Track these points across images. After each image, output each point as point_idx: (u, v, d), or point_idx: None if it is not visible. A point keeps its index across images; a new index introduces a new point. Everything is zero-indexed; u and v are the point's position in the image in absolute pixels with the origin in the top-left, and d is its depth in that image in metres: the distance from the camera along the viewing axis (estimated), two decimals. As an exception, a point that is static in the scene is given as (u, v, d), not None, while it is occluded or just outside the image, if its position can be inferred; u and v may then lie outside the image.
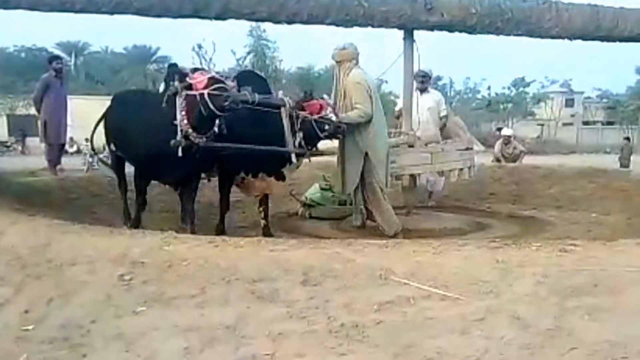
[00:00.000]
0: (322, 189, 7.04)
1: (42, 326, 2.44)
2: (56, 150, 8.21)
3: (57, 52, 39.64)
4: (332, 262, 3.10)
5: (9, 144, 23.81)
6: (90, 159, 12.91)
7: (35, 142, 21.98)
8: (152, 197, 7.23)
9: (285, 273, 2.98)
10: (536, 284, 2.80)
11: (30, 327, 2.42)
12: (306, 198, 7.06)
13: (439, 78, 36.46)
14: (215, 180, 5.87)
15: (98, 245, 3.39)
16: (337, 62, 5.52)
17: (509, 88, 42.99)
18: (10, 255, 3.29)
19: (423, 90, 7.21)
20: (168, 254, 3.22)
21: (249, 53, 42.14)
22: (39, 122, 8.20)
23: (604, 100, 48.91)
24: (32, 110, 23.27)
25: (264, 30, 37.57)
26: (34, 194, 6.30)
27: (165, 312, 2.62)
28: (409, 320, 2.55)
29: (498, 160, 10.83)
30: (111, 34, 51.13)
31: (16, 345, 2.36)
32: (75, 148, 20.08)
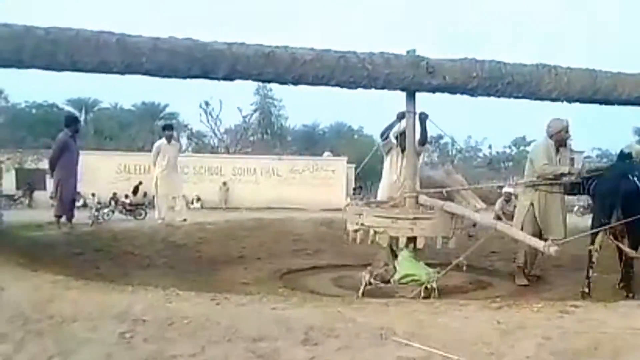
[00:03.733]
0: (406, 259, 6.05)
1: (42, 384, 2.43)
2: (68, 204, 8.32)
3: (68, 108, 40.58)
4: (333, 321, 3.10)
5: (16, 197, 23.99)
6: (96, 213, 13.02)
7: (41, 196, 22.23)
8: (155, 253, 7.30)
9: (287, 332, 2.98)
10: (537, 346, 2.79)
11: (29, 385, 2.41)
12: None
13: (440, 137, 36.84)
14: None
15: (100, 302, 3.40)
16: None
17: (509, 147, 43.35)
18: (13, 311, 3.30)
19: (404, 149, 6.93)
20: (170, 311, 3.23)
21: (255, 111, 42.96)
22: (53, 180, 8.38)
23: (604, 159, 49.16)
24: (41, 165, 23.60)
25: (270, 89, 38.42)
26: (38, 248, 6.35)
27: (165, 371, 2.61)
28: (410, 382, 2.54)
29: (499, 217, 10.80)
30: (121, 90, 52.33)
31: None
32: (82, 202, 20.24)
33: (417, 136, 6.52)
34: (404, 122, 6.63)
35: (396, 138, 6.95)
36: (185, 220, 9.27)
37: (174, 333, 2.99)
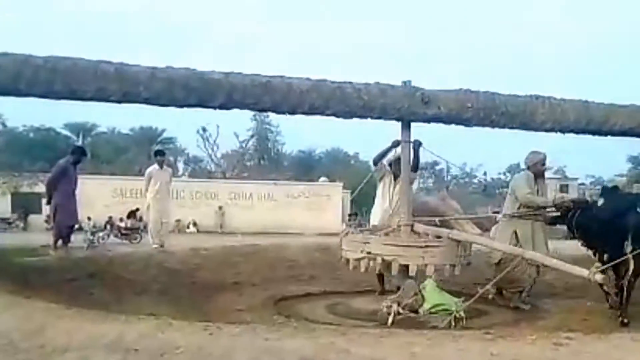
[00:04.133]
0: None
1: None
2: (64, 230, 8.32)
3: (66, 132, 40.61)
4: (326, 353, 3.08)
5: (11, 220, 23.93)
6: (92, 237, 12.96)
7: (36, 220, 22.17)
8: (150, 278, 7.26)
9: (279, 363, 2.96)
10: (530, 380, 2.78)
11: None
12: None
13: (436, 163, 37.00)
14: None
15: (92, 331, 3.38)
16: None
17: (504, 173, 43.42)
18: (3, 340, 3.27)
19: (397, 177, 7.01)
20: (162, 341, 3.21)
21: (252, 136, 43.16)
22: (50, 206, 8.38)
23: (597, 187, 49.39)
24: (36, 189, 23.51)
25: (267, 115, 38.59)
26: (31, 274, 6.30)
27: (155, 402, 2.59)
28: (402, 416, 2.52)
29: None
30: (118, 114, 52.65)
31: None
32: (77, 225, 20.13)
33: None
34: (397, 150, 6.72)
35: (390, 165, 7.01)
36: (162, 246, 9.28)
37: (166, 364, 2.96)
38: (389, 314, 5.36)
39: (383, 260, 5.92)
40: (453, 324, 5.21)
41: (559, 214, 6.51)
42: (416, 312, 5.45)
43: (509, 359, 3.00)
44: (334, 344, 3.20)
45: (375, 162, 7.15)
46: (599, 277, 5.10)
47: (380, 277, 6.85)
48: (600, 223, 5.96)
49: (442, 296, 5.63)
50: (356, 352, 3.08)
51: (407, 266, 5.90)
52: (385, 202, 7.04)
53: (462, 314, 5.33)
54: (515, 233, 6.63)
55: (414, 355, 3.07)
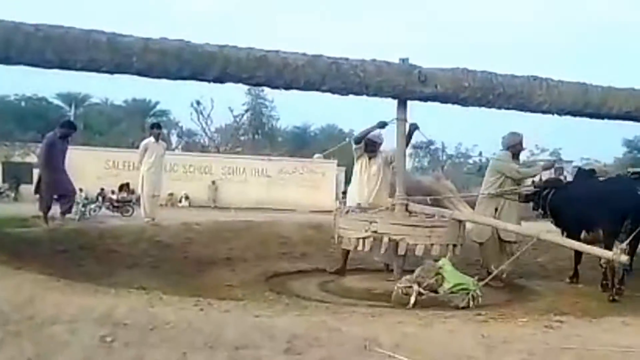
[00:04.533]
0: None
1: (17, 389, 2.38)
2: (47, 202, 8.37)
3: (57, 102, 40.16)
4: (317, 331, 3.07)
5: (2, 190, 23.77)
6: (83, 209, 12.88)
7: (27, 190, 22.02)
8: (141, 252, 7.25)
9: (270, 340, 2.95)
10: (521, 362, 2.78)
11: (4, 390, 2.36)
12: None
13: (431, 142, 36.88)
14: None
15: (82, 304, 3.36)
16: None
17: (500, 154, 43.38)
18: (-8, 311, 3.25)
19: (372, 157, 7.06)
20: (152, 315, 3.19)
21: (246, 111, 42.85)
22: (36, 175, 8.39)
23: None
24: (28, 159, 23.30)
25: (262, 90, 38.28)
26: (22, 245, 6.28)
27: (144, 377, 2.57)
28: (392, 396, 2.52)
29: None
30: (112, 86, 51.98)
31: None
32: (77, 195, 19.93)
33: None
34: (378, 131, 6.82)
35: (366, 145, 7.00)
36: (154, 219, 9.28)
37: (156, 338, 2.95)
38: (406, 294, 5.26)
39: (390, 240, 5.88)
40: (472, 303, 5.24)
41: (533, 192, 6.93)
42: (436, 292, 5.38)
43: (499, 341, 3.00)
44: (325, 322, 3.19)
45: (357, 141, 7.11)
46: (624, 258, 5.15)
47: (346, 255, 6.93)
48: (571, 203, 6.40)
49: (461, 276, 5.60)
50: (347, 330, 3.08)
51: (396, 245, 5.89)
52: (361, 181, 7.08)
53: (479, 292, 5.38)
54: (496, 210, 6.93)
55: (405, 335, 3.07)
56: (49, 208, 8.36)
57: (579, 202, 6.33)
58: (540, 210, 6.95)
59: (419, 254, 5.89)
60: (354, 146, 7.13)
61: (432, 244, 5.89)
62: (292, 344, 2.91)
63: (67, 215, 8.63)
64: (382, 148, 7.14)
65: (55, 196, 8.43)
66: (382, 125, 6.68)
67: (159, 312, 3.25)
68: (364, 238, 6.03)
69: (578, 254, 6.61)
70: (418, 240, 5.87)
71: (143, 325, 3.06)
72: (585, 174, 7.48)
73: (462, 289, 5.40)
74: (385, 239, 5.89)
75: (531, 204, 7.11)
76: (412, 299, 5.17)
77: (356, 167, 7.21)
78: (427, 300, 5.19)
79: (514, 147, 7.15)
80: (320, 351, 2.86)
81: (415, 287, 5.27)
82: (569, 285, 6.61)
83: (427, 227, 5.98)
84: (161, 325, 3.07)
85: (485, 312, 3.86)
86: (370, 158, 7.02)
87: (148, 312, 3.24)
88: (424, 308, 4.80)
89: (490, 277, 5.89)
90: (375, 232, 5.94)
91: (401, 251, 5.93)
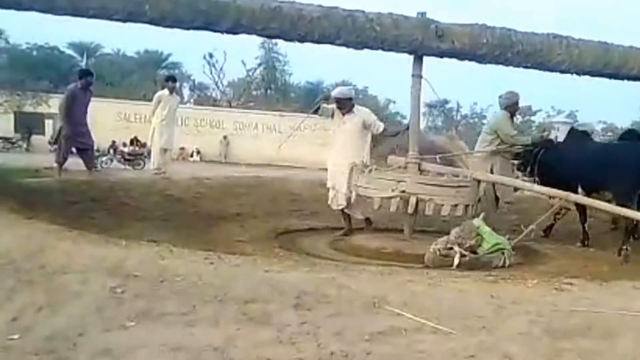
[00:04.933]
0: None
1: (29, 336, 2.40)
2: (65, 154, 8.43)
3: (69, 52, 39.87)
4: (326, 287, 3.08)
5: (14, 140, 23.84)
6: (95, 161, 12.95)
7: (39, 140, 22.08)
8: (152, 205, 7.28)
9: (279, 295, 2.96)
10: (530, 323, 2.77)
11: (16, 337, 2.39)
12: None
13: (446, 101, 36.42)
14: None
15: (93, 255, 3.38)
16: None
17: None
18: (4, 259, 3.28)
19: (345, 114, 6.74)
20: (162, 268, 3.21)
21: (259, 65, 42.32)
22: (56, 127, 8.44)
23: (609, 133, 48.88)
24: (40, 109, 23.23)
25: (276, 44, 37.72)
26: (34, 195, 6.31)
27: (154, 329, 2.59)
28: (399, 353, 2.52)
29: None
30: (124, 36, 51.40)
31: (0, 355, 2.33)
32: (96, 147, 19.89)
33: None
34: (340, 88, 6.96)
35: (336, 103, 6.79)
36: (164, 173, 9.26)
37: (165, 290, 2.97)
38: (446, 256, 5.18)
39: (418, 199, 5.82)
40: (507, 262, 5.29)
41: (523, 151, 7.01)
42: (475, 252, 5.35)
43: (508, 301, 3.00)
44: (334, 279, 3.19)
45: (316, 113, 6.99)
46: None
47: (347, 216, 6.88)
48: (568, 163, 6.45)
49: (497, 236, 5.56)
50: (357, 288, 3.08)
51: (406, 203, 5.85)
52: (332, 139, 7.06)
53: (512, 251, 5.42)
54: (492, 168, 6.91)
55: (414, 293, 3.06)
56: (65, 159, 8.39)
57: (579, 163, 6.35)
58: (527, 170, 7.00)
59: (445, 214, 5.90)
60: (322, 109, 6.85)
61: (456, 204, 5.88)
62: (301, 300, 2.92)
63: (79, 168, 8.65)
64: (357, 108, 6.88)
65: (74, 149, 8.46)
66: (326, 97, 6.78)
67: (169, 264, 3.27)
68: (389, 197, 5.92)
69: (583, 216, 6.63)
70: (445, 200, 5.85)
71: (153, 278, 3.08)
72: (578, 135, 7.43)
73: (498, 249, 5.40)
74: (413, 199, 5.82)
75: (515, 164, 7.23)
76: (456, 261, 5.09)
77: (332, 127, 7.13)
78: (468, 262, 5.13)
79: (511, 106, 7.11)
80: (329, 307, 2.87)
81: (456, 248, 5.21)
82: (580, 249, 6.58)
83: (453, 187, 5.97)
84: (171, 278, 3.09)
85: (495, 274, 3.85)
86: (343, 115, 6.75)
87: (158, 265, 3.26)
88: (472, 269, 4.80)
89: (521, 236, 5.89)
90: (403, 191, 5.86)
91: (428, 211, 5.89)
